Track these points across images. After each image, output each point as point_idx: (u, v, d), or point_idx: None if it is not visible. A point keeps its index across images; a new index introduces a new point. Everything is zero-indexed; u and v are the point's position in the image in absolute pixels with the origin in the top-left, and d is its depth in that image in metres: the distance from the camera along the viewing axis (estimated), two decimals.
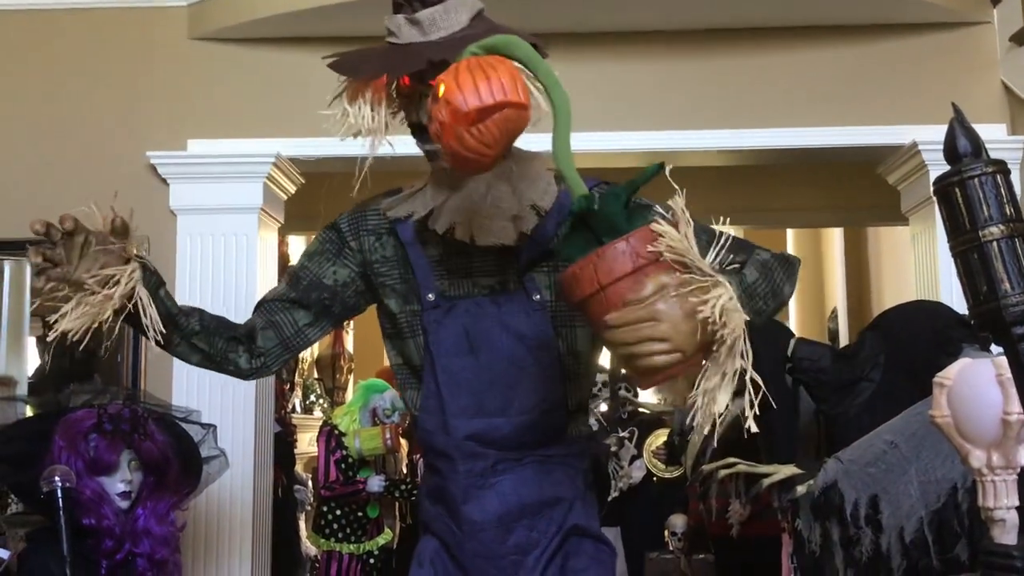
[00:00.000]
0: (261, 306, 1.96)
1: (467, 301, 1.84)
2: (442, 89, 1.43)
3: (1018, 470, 1.65)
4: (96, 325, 1.64)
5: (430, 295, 1.84)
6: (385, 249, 1.90)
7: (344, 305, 1.95)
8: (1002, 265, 1.20)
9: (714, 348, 1.39)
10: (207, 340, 1.86)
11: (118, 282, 1.63)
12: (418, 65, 1.65)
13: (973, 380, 1.66)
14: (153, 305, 1.70)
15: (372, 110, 1.73)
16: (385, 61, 1.73)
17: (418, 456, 5.74)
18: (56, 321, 1.63)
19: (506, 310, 1.82)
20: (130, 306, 1.67)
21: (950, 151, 1.26)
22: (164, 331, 1.73)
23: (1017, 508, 1.65)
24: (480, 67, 1.44)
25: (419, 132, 1.76)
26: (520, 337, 1.81)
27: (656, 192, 1.80)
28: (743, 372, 1.39)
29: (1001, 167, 1.23)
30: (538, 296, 1.83)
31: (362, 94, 1.73)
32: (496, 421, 1.80)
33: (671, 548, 5.10)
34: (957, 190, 1.23)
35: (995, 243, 1.20)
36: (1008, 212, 1.21)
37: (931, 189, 1.36)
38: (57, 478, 2.38)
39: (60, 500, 2.36)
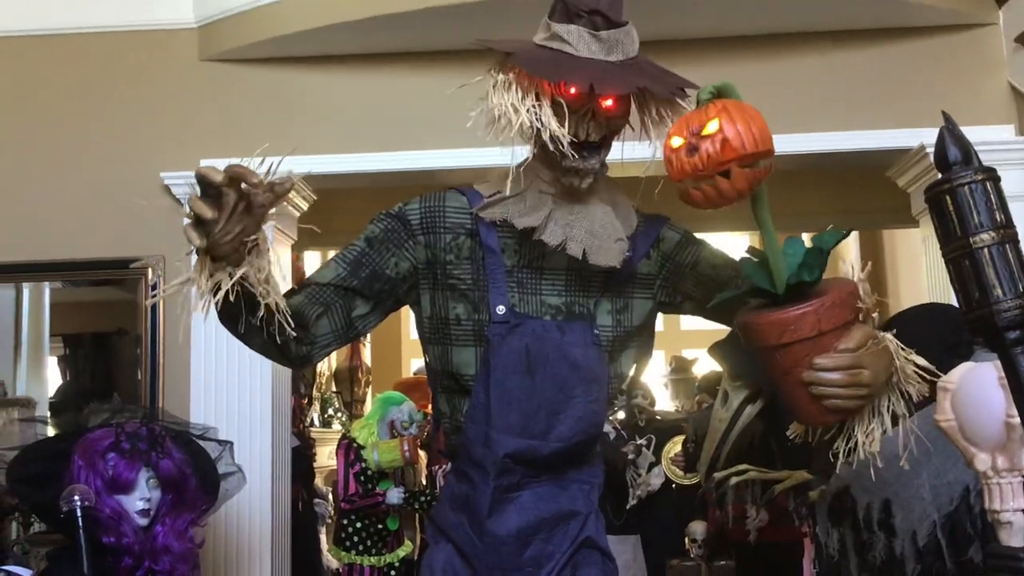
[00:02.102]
0: (311, 288, 1.80)
1: (534, 322, 1.82)
2: (716, 124, 1.49)
3: (1023, 472, 1.64)
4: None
5: (500, 308, 1.81)
6: (461, 250, 1.84)
7: (396, 300, 1.88)
8: (993, 271, 1.21)
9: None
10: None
11: (254, 247, 1.54)
12: (628, 88, 1.68)
13: (976, 383, 1.65)
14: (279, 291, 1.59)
15: (540, 112, 1.67)
16: (573, 71, 1.66)
17: (437, 467, 5.75)
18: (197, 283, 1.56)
19: (569, 339, 1.82)
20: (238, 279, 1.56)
21: (940, 159, 1.27)
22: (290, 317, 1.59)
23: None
24: (749, 113, 1.51)
25: (574, 145, 1.70)
26: (575, 368, 1.81)
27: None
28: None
29: (991, 174, 1.24)
30: (597, 329, 1.85)
31: (531, 94, 1.68)
32: (536, 444, 1.81)
33: (692, 555, 5.10)
34: (947, 198, 1.24)
35: (986, 249, 1.21)
36: (998, 219, 1.22)
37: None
38: (76, 497, 2.41)
39: (80, 519, 2.39)
